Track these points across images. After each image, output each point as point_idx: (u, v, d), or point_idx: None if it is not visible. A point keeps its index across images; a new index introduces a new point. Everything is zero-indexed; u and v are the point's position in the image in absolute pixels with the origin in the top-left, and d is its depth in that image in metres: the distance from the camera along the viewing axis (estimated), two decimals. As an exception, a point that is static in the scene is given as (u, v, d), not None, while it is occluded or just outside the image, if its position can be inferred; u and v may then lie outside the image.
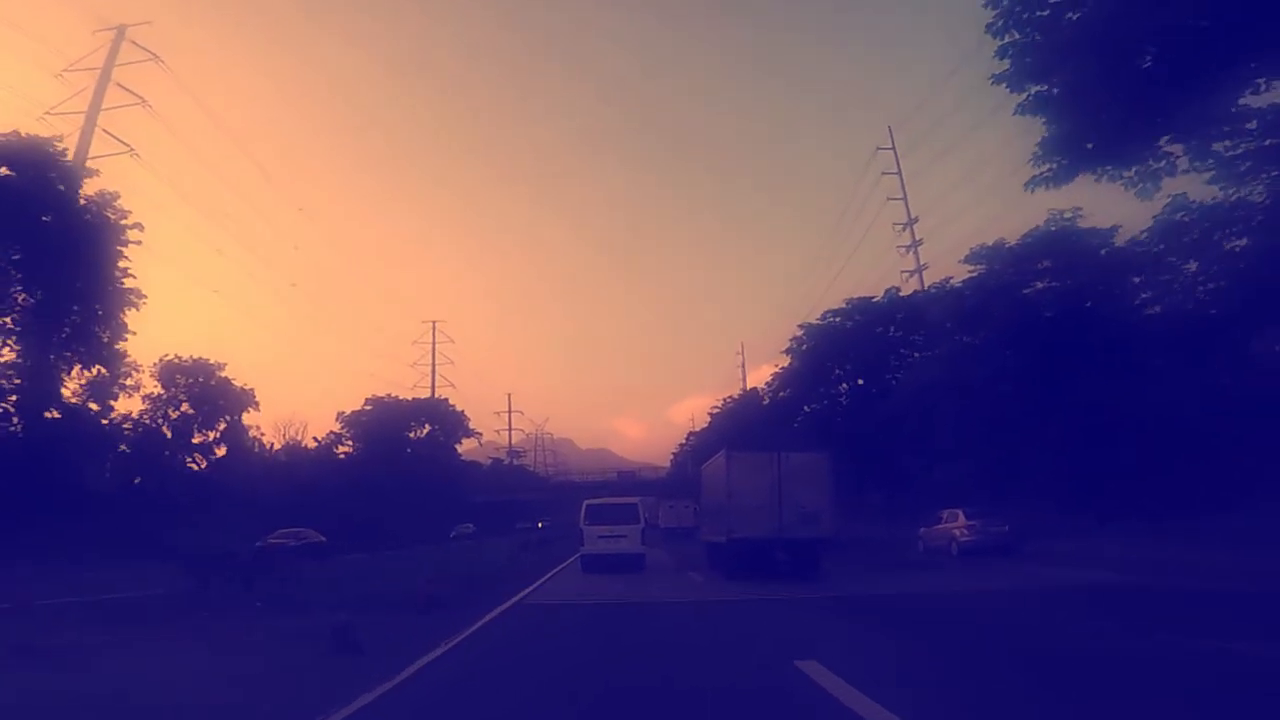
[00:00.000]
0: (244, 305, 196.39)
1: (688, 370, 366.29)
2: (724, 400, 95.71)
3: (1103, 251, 38.17)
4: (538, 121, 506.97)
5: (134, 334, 46.64)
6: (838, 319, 54.65)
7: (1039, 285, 39.69)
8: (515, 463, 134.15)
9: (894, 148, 61.92)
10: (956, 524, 30.28)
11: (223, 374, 59.14)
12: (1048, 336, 37.79)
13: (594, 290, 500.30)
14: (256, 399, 60.04)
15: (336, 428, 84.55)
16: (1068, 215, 38.13)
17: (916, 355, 52.34)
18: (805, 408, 56.58)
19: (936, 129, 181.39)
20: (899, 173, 60.87)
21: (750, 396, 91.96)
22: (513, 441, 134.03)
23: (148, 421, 54.68)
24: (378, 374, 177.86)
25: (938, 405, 44.95)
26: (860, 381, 55.28)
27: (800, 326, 57.85)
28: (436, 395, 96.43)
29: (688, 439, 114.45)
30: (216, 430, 58.83)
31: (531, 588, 19.62)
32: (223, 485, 61.95)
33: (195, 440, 58.88)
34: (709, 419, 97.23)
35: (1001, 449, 40.88)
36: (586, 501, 27.39)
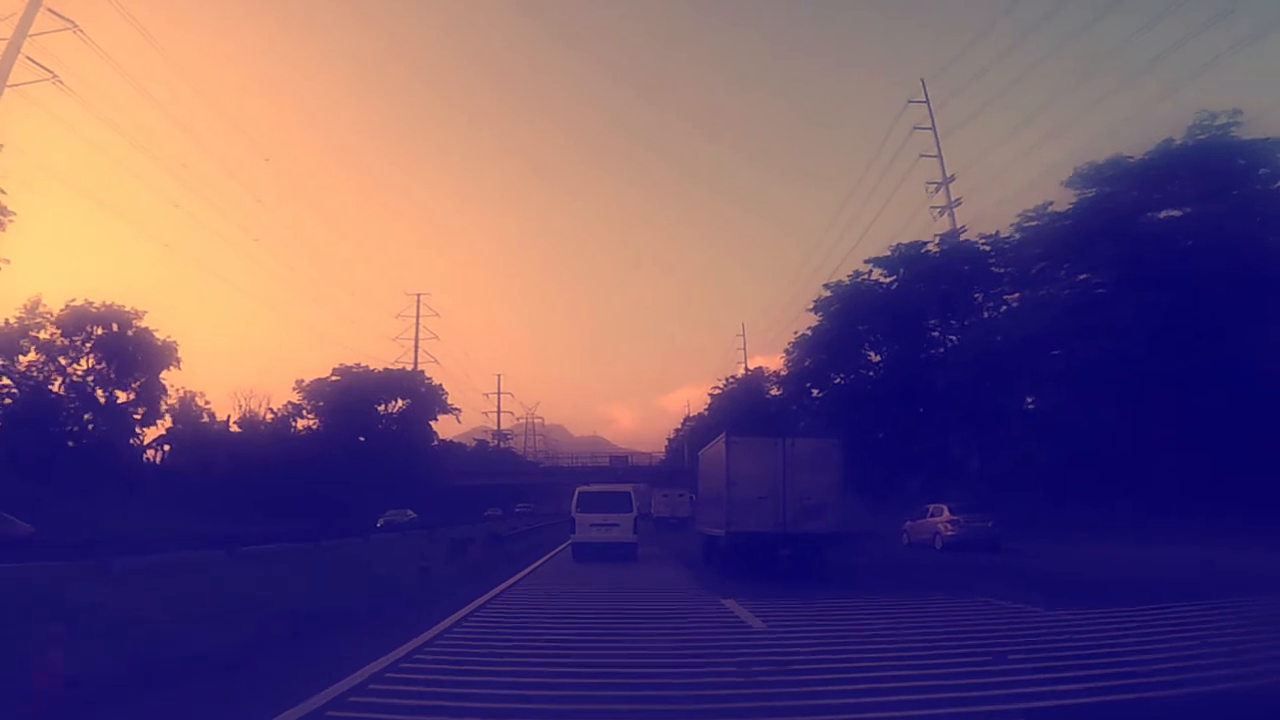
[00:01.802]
0: (204, 266, 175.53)
1: (683, 359, 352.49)
2: (725, 381, 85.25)
3: (1262, 170, 27.54)
4: (531, 100, 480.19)
5: (7, 262, 36.69)
6: (878, 272, 43.94)
7: (1172, 213, 29.01)
8: (502, 446, 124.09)
9: (927, 100, 53.72)
10: (941, 518, 28.81)
11: (141, 323, 47.95)
12: (1183, 278, 27.16)
13: (589, 276, 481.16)
14: (179, 355, 48.86)
15: (296, 398, 73.19)
16: (1221, 121, 27.41)
17: (968, 322, 41.69)
18: (834, 378, 45.79)
19: (966, 88, 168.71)
20: (933, 128, 52.72)
21: (754, 377, 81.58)
22: (503, 426, 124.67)
23: (36, 376, 43.55)
24: (359, 349, 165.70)
25: (1007, 373, 34.60)
26: (897, 346, 44.63)
27: (827, 286, 47.19)
28: (438, 385, 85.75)
29: (684, 423, 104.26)
30: (131, 390, 47.66)
31: (402, 651, 8.88)
32: (137, 459, 51.13)
33: (120, 402, 47.73)
34: (709, 399, 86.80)
35: (1094, 426, 30.41)
36: (579, 489, 25.84)
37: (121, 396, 47.34)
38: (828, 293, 47.18)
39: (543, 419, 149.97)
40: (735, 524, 18.11)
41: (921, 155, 53.51)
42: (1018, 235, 35.02)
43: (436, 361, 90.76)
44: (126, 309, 47.67)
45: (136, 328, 47.88)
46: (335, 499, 64.42)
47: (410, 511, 51.47)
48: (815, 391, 47.61)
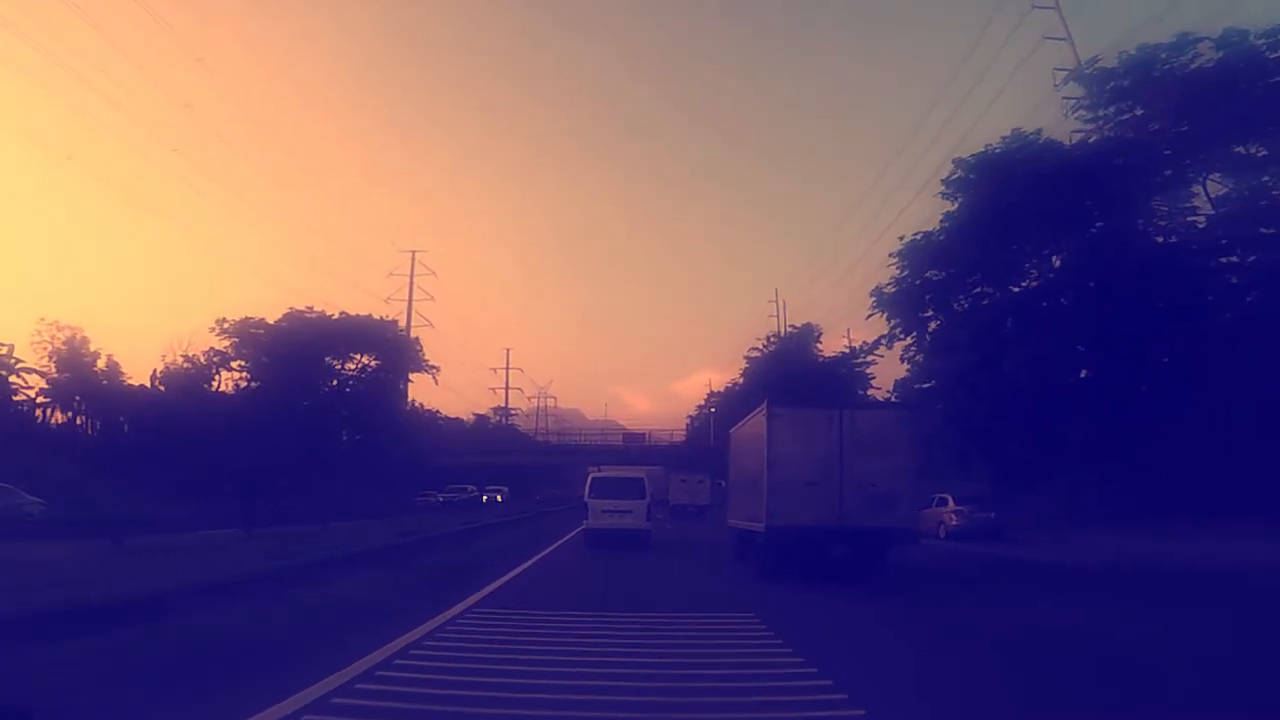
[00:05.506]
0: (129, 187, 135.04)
1: (700, 341, 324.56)
2: (764, 340, 66.24)
3: None
4: (538, 71, 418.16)
5: None
6: (1062, 119, 25.02)
7: None
8: (506, 422, 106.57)
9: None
10: (946, 509, 27.56)
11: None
12: None
13: (603, 255, 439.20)
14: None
15: (219, 343, 54.69)
16: None
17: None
18: (978, 291, 26.89)
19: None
20: (1057, 5, 38.12)
21: (802, 335, 62.51)
22: (514, 406, 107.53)
23: None
24: (334, 304, 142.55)
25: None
26: (1089, 236, 25.75)
27: (957, 163, 28.27)
28: (414, 339, 68.27)
29: (708, 399, 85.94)
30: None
31: None
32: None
33: None
34: (745, 363, 67.90)
35: None
36: (591, 474, 24.77)
37: None
38: (958, 171, 28.05)
39: (555, 399, 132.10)
40: (778, 516, 14.29)
41: (1046, 37, 38.16)
42: None
43: (431, 325, 73.25)
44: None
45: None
46: (281, 474, 47.36)
47: (37, 500, 26.48)
48: (934, 322, 28.37)
